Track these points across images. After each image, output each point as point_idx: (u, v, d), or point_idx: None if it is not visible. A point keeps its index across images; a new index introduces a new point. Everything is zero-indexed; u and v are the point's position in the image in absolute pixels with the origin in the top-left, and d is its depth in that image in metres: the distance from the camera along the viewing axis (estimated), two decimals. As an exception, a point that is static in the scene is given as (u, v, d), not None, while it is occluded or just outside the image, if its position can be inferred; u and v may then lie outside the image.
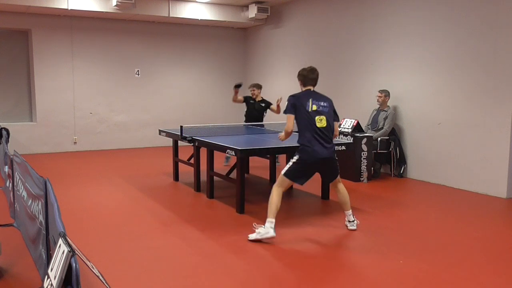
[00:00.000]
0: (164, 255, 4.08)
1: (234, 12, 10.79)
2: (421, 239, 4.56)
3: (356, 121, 7.53)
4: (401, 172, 7.61)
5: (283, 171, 4.65)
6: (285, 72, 10.64)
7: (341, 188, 4.81)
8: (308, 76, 4.79)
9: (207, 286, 3.46)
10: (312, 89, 4.79)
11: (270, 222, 4.45)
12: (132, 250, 4.19)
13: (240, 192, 5.42)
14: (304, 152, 4.57)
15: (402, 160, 7.61)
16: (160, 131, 7.41)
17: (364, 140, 7.23)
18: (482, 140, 6.45)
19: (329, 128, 4.63)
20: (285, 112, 4.66)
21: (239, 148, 5.18)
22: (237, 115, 12.33)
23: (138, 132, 11.17)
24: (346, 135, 7.37)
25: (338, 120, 4.85)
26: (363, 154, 7.23)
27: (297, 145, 6.06)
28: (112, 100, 10.83)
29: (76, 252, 2.04)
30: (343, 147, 5.85)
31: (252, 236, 4.46)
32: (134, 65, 11.00)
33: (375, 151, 7.48)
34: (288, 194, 6.53)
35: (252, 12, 10.40)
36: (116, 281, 3.47)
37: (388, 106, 7.65)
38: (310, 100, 4.63)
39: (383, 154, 7.59)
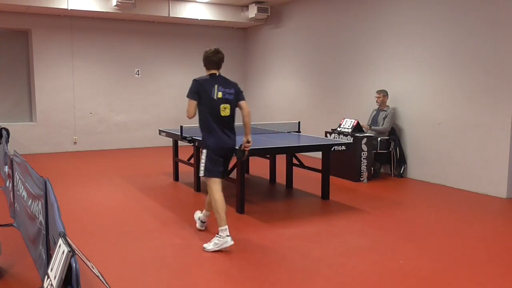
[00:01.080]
0: (164, 255, 4.08)
1: (234, 12, 10.79)
2: (421, 239, 4.56)
3: (356, 121, 7.52)
4: (401, 172, 7.61)
5: (201, 174, 4.41)
6: (285, 72, 10.64)
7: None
8: (210, 59, 4.40)
9: (206, 286, 3.46)
10: (217, 73, 4.44)
11: (224, 230, 4.20)
12: (132, 250, 4.19)
13: (240, 192, 5.42)
14: (210, 142, 4.37)
15: (402, 160, 7.61)
16: (160, 131, 7.41)
17: (364, 140, 7.23)
18: (482, 140, 6.46)
19: (232, 117, 4.45)
20: (187, 96, 4.35)
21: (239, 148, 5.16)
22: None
23: (138, 132, 11.17)
24: (346, 135, 7.37)
25: (244, 100, 4.53)
26: (363, 154, 7.23)
27: (295, 145, 6.07)
28: (112, 100, 10.83)
29: (76, 252, 2.04)
30: (343, 147, 5.85)
31: (209, 248, 4.20)
32: (134, 65, 10.99)
33: (375, 151, 7.48)
34: (288, 194, 6.53)
35: (252, 12, 10.40)
36: (116, 281, 3.47)
37: (388, 106, 7.65)
38: (216, 86, 4.34)
39: (383, 154, 7.59)
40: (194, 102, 4.32)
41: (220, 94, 4.34)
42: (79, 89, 10.46)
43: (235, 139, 4.49)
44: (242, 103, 4.48)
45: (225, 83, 4.43)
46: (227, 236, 4.18)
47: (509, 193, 6.23)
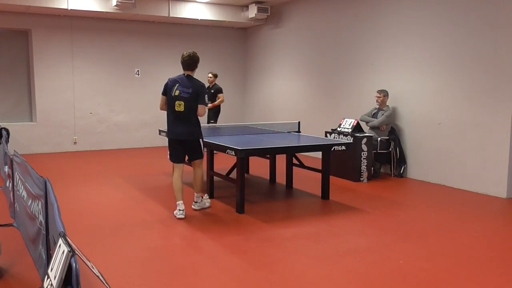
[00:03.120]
0: (164, 255, 4.08)
1: (234, 12, 10.79)
2: (421, 239, 4.56)
3: (356, 121, 7.53)
4: (401, 172, 7.61)
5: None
6: (285, 72, 10.64)
7: (197, 173, 5.43)
8: (181, 62, 5.23)
9: (207, 286, 3.46)
10: (186, 74, 5.21)
11: (178, 204, 5.20)
12: (132, 250, 4.19)
13: (240, 192, 5.42)
14: (168, 132, 5.32)
15: (402, 160, 7.61)
16: (160, 131, 7.41)
17: (364, 140, 7.24)
18: (482, 140, 6.46)
19: (188, 112, 5.12)
20: (162, 93, 5.29)
21: (239, 148, 5.18)
22: (237, 115, 12.33)
23: (138, 132, 11.17)
24: (346, 135, 7.37)
25: (202, 104, 5.20)
26: (363, 154, 7.23)
27: (295, 145, 6.14)
28: (112, 100, 10.83)
29: (76, 252, 2.04)
30: (343, 147, 5.85)
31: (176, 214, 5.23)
32: (134, 65, 10.99)
33: (375, 151, 7.48)
34: (288, 194, 6.53)
35: (252, 12, 10.40)
36: (116, 281, 3.47)
37: (388, 105, 7.65)
38: (177, 85, 5.13)
39: (383, 154, 7.60)
40: (163, 98, 5.25)
41: (177, 92, 5.11)
42: (79, 89, 10.46)
43: (189, 132, 5.18)
44: (198, 106, 5.17)
45: (187, 83, 5.13)
46: (179, 210, 5.17)
47: (509, 193, 6.23)
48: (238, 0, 10.28)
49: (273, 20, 10.89)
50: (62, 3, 9.03)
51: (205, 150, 5.60)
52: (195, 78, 5.24)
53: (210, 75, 9.72)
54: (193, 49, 12.78)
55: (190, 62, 5.19)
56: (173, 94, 5.12)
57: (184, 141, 5.25)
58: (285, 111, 10.61)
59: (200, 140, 5.34)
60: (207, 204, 5.63)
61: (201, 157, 5.41)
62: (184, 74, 5.23)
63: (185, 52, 5.25)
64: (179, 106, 5.11)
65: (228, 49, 12.09)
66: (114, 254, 4.11)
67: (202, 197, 5.60)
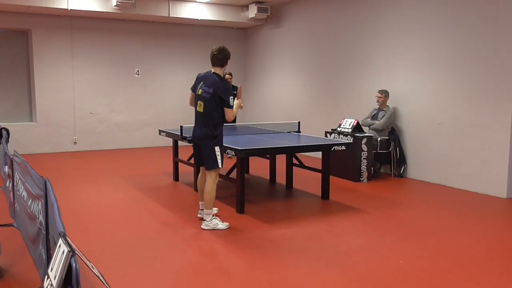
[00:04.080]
0: (164, 255, 4.08)
1: (234, 12, 10.79)
2: (421, 239, 4.56)
3: (356, 121, 7.53)
4: (401, 172, 7.61)
5: None
6: (285, 72, 10.64)
7: (206, 184, 4.85)
8: (211, 57, 4.81)
9: (206, 286, 3.46)
10: (212, 71, 4.82)
11: (201, 204, 5.08)
12: (132, 250, 4.19)
13: (240, 192, 5.42)
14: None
15: (402, 160, 7.61)
16: (160, 131, 7.41)
17: (364, 140, 7.23)
18: (482, 140, 6.46)
19: (207, 115, 4.73)
20: (191, 88, 5.02)
21: (239, 148, 5.18)
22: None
23: (138, 132, 11.17)
24: (346, 135, 7.37)
25: (226, 107, 4.73)
26: (363, 154, 7.23)
27: (295, 145, 6.13)
28: (112, 100, 10.83)
29: (76, 252, 2.04)
30: (343, 147, 5.85)
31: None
32: (134, 65, 10.99)
33: (375, 151, 7.48)
34: (288, 194, 6.53)
35: (252, 12, 10.40)
36: (116, 281, 3.47)
37: (388, 106, 7.65)
38: (201, 84, 4.80)
39: (383, 154, 7.60)
40: (192, 94, 4.98)
41: (200, 91, 4.80)
42: (79, 89, 10.46)
43: (203, 135, 4.79)
44: (226, 111, 4.77)
45: (210, 82, 4.74)
46: (200, 209, 5.10)
47: (509, 193, 6.23)
48: (238, 0, 10.28)
49: (273, 20, 10.89)
50: (62, 3, 9.03)
51: (220, 157, 4.82)
52: (221, 77, 4.77)
53: (227, 75, 9.41)
54: (193, 49, 12.77)
55: (221, 57, 4.75)
56: (197, 93, 4.80)
57: (199, 144, 4.87)
58: (285, 111, 10.61)
59: (216, 147, 4.75)
60: (220, 226, 4.80)
61: (215, 167, 4.77)
62: (211, 71, 4.81)
63: (214, 46, 4.81)
64: (200, 106, 4.77)
65: (228, 49, 12.05)
66: (114, 254, 4.11)
67: (214, 216, 4.87)
